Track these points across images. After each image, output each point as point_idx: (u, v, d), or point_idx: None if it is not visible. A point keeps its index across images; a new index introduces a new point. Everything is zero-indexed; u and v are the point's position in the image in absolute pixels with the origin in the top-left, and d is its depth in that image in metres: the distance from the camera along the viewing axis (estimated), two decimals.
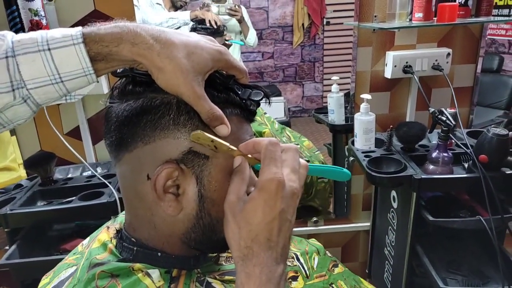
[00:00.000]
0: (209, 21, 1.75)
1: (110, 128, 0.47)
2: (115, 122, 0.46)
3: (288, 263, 0.66)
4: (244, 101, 0.49)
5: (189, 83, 0.42)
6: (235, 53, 2.44)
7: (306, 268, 0.70)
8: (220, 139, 0.43)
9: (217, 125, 0.44)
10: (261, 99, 0.50)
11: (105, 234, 0.55)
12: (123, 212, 0.55)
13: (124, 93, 0.47)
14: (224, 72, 0.49)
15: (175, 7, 2.14)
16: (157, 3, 2.11)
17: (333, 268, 0.75)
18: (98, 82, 0.45)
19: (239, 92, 0.48)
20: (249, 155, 0.46)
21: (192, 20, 1.89)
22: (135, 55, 0.41)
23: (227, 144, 0.44)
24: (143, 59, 0.42)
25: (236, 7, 2.16)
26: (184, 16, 1.97)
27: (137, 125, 0.45)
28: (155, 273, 0.47)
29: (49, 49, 0.40)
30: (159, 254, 0.49)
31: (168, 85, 0.43)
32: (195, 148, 0.45)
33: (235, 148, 0.45)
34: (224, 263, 0.60)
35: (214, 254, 0.60)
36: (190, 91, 0.42)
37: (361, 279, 0.78)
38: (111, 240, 0.53)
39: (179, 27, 1.97)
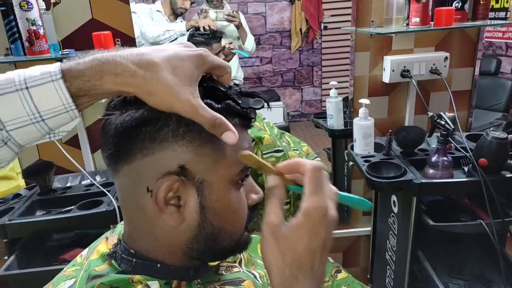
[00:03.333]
0: (203, 27, 1.76)
1: (108, 140, 0.47)
2: (114, 134, 0.46)
3: None
4: (245, 110, 0.48)
5: (183, 98, 0.41)
6: (233, 59, 2.44)
7: None
8: (265, 162, 0.44)
9: (222, 132, 0.43)
10: (262, 107, 0.50)
11: (104, 245, 0.54)
12: (122, 222, 0.55)
13: (125, 103, 0.46)
14: (216, 77, 0.48)
15: (175, 14, 2.16)
16: (157, 10, 2.12)
17: (336, 274, 0.74)
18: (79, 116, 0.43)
19: (239, 101, 0.48)
20: (286, 175, 0.46)
21: (188, 30, 1.91)
22: (120, 85, 0.40)
23: (272, 166, 0.45)
24: (129, 87, 0.40)
25: (234, 13, 2.17)
26: (180, 27, 1.99)
27: (136, 137, 0.45)
28: (154, 284, 0.47)
29: (27, 88, 0.39)
30: (158, 265, 0.49)
31: (163, 105, 0.42)
32: (187, 165, 0.45)
33: (274, 169, 0.45)
34: (224, 273, 0.59)
35: (215, 264, 0.59)
36: (187, 105, 0.41)
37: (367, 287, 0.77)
38: (110, 252, 0.52)
39: (176, 38, 1.98)
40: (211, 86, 0.47)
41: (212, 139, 0.44)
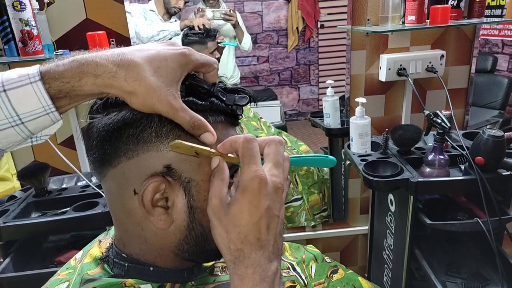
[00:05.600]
0: (197, 26, 1.75)
1: (92, 144, 0.46)
2: (97, 138, 0.45)
3: (284, 274, 0.65)
4: (229, 107, 0.48)
5: (163, 99, 0.41)
6: (230, 57, 2.44)
7: (303, 277, 0.69)
8: (199, 145, 0.43)
9: (201, 133, 0.43)
10: (247, 103, 0.49)
11: (96, 248, 0.54)
12: None
13: (106, 106, 0.46)
14: (201, 78, 0.47)
15: (169, 14, 2.15)
16: (151, 10, 2.11)
17: (332, 275, 0.74)
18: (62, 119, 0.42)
19: (224, 98, 0.47)
20: (230, 155, 0.45)
21: (182, 29, 1.90)
22: (101, 87, 0.40)
23: (208, 148, 0.43)
24: (110, 89, 0.40)
25: (231, 11, 2.16)
26: (174, 27, 1.99)
27: (119, 140, 0.44)
28: None
29: (4, 91, 0.38)
30: (151, 268, 0.49)
31: (144, 106, 0.41)
32: (173, 165, 0.44)
33: (214, 151, 0.44)
34: (220, 274, 0.59)
35: (209, 264, 0.59)
36: (167, 107, 0.41)
37: (362, 282, 0.76)
38: (102, 256, 0.52)
39: (170, 38, 1.98)
40: (194, 84, 0.46)
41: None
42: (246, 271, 0.41)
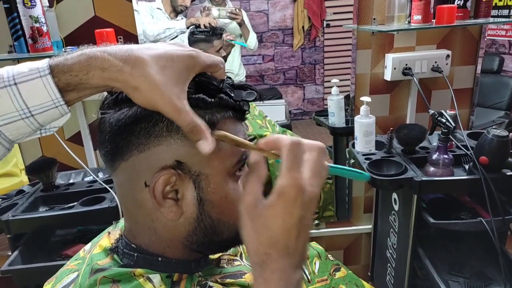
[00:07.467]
0: (204, 24, 1.77)
1: (104, 138, 0.47)
2: (109, 132, 0.47)
3: None
4: (238, 103, 0.49)
5: (166, 98, 0.41)
6: (235, 55, 2.45)
7: (307, 273, 0.70)
8: (243, 140, 0.45)
9: (197, 139, 0.42)
10: (255, 99, 0.50)
11: (106, 239, 0.55)
12: None
13: (118, 102, 0.47)
14: (210, 73, 0.48)
15: (176, 12, 2.16)
16: (158, 8, 2.13)
17: (334, 272, 0.75)
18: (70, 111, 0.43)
19: (232, 94, 0.48)
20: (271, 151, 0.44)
21: (188, 27, 1.92)
22: (107, 80, 0.40)
23: (250, 143, 0.44)
24: (115, 82, 0.41)
25: (237, 10, 2.17)
26: (180, 25, 2.00)
27: (131, 134, 0.45)
28: (156, 278, 0.48)
29: (15, 84, 0.39)
30: (159, 259, 0.50)
31: (146, 103, 0.42)
32: (183, 159, 0.45)
33: (254, 146, 0.44)
34: (226, 266, 0.60)
35: (216, 257, 0.60)
36: (169, 107, 0.41)
37: (364, 283, 0.78)
38: (112, 246, 0.53)
39: (176, 36, 1.99)
40: (203, 81, 0.47)
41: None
42: (272, 276, 0.40)
